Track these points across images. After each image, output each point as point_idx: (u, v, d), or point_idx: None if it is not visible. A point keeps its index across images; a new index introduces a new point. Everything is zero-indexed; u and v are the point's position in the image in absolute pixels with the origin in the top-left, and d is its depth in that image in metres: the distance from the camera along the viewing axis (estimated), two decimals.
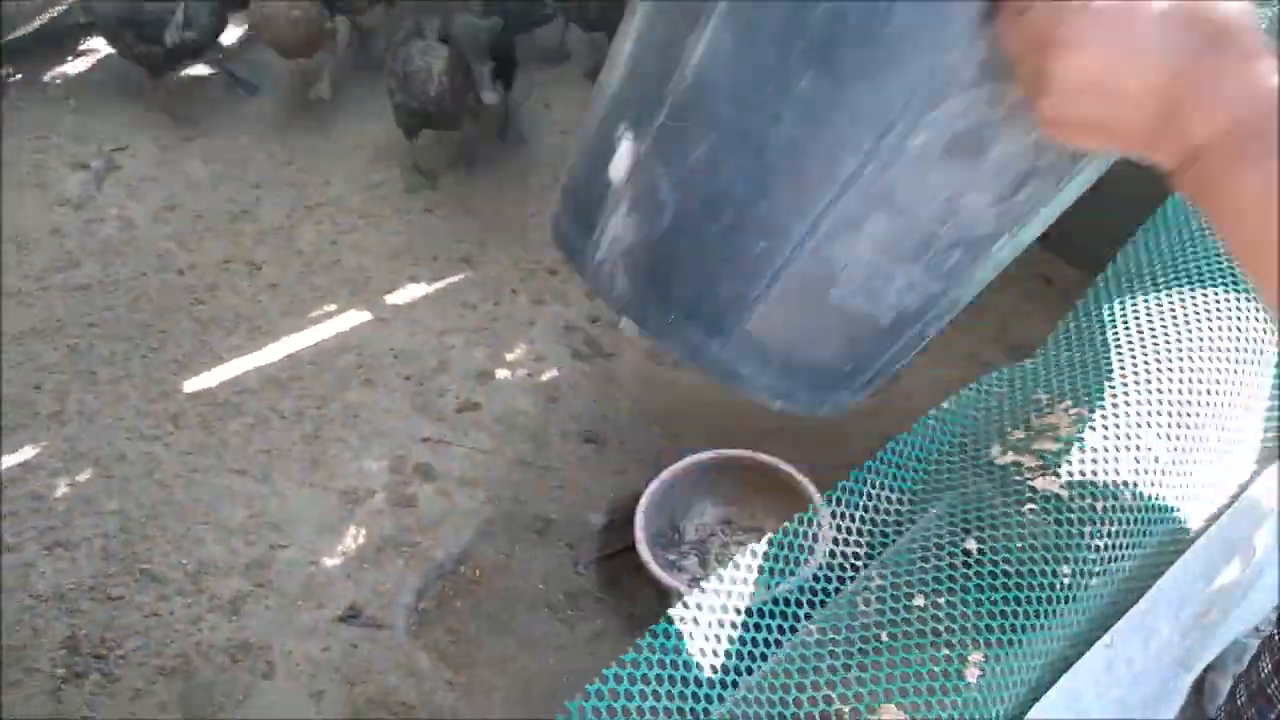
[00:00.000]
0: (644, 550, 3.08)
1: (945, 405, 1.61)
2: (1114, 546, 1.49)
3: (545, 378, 3.68)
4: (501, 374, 3.69)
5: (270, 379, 3.64)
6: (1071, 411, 1.58)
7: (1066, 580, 1.43)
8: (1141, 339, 1.68)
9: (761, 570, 1.40)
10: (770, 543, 1.40)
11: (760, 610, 1.37)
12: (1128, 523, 1.51)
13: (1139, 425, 1.57)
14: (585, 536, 3.29)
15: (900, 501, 1.47)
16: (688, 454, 3.44)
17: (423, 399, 3.60)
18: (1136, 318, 1.72)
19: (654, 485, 3.24)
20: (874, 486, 1.44)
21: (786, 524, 1.40)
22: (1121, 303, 1.77)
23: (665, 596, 3.11)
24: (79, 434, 3.45)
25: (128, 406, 3.54)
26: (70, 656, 2.96)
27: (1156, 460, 1.56)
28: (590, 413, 3.60)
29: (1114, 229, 4.00)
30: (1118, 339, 1.70)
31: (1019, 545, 1.42)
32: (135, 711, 2.85)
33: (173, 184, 4.32)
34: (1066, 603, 1.43)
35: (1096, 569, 1.47)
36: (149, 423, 3.50)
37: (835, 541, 1.41)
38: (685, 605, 1.32)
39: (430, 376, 3.67)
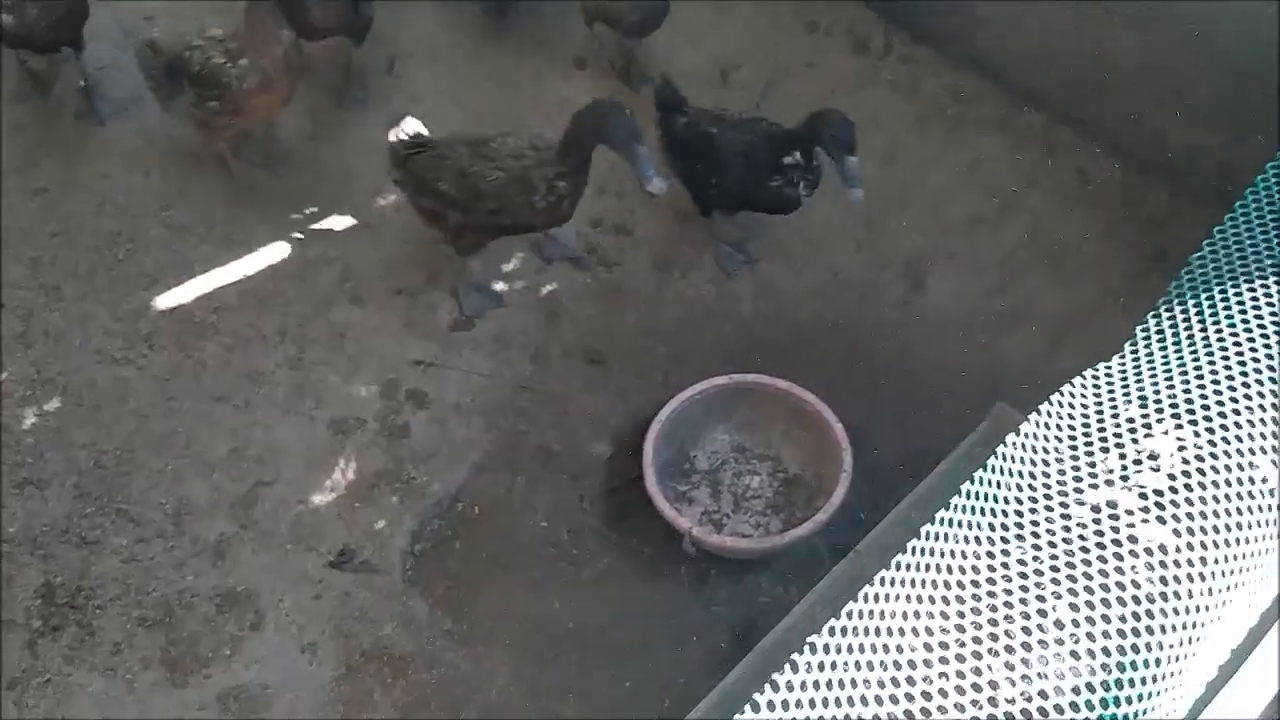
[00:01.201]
0: (653, 487, 2.89)
1: (1026, 429, 1.37)
2: (1222, 604, 1.28)
3: (545, 291, 3.43)
4: (498, 286, 3.43)
5: (249, 294, 3.38)
6: (1174, 434, 1.35)
7: (1173, 651, 1.23)
8: (1250, 339, 1.44)
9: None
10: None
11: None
12: (1237, 571, 1.30)
13: (1252, 450, 1.35)
14: (589, 468, 3.09)
15: (979, 555, 1.25)
16: (696, 376, 3.22)
17: (413, 315, 3.35)
18: (1235, 312, 1.47)
19: (663, 414, 3.02)
20: (950, 540, 1.22)
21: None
22: (1213, 295, 1.51)
23: (674, 533, 2.94)
24: (45, 358, 3.21)
25: (96, 326, 3.29)
26: (46, 607, 2.78)
27: (1272, 493, 1.34)
28: (593, 329, 3.36)
29: (1155, 117, 3.72)
30: (1221, 338, 1.46)
31: (1119, 613, 1.21)
32: (115, 667, 2.70)
33: (136, 70, 3.96)
34: (1172, 677, 1.23)
35: (1202, 631, 1.27)
36: (120, 344, 3.25)
37: (907, 615, 1.20)
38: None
39: (421, 290, 3.41)
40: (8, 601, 2.78)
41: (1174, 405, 1.38)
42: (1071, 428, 1.39)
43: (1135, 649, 1.19)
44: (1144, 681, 1.19)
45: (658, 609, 2.87)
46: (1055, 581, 1.23)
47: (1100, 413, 1.41)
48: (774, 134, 3.27)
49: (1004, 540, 1.26)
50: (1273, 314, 1.45)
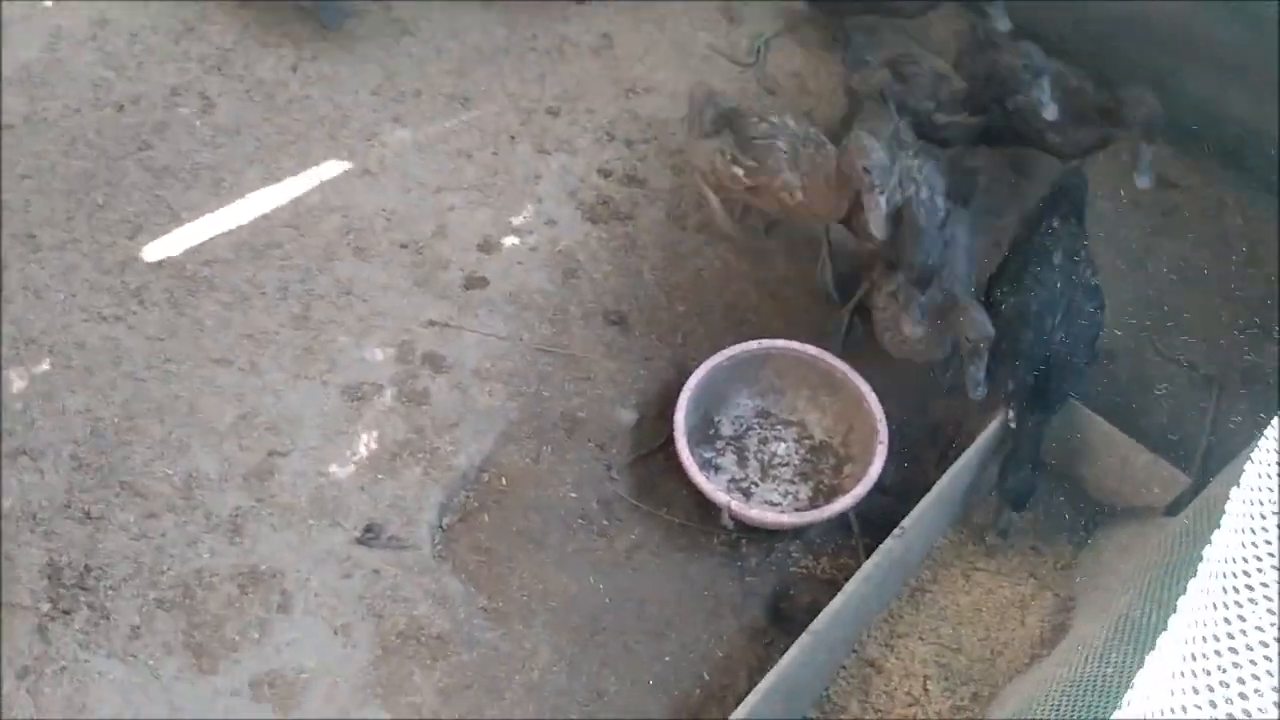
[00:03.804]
0: (687, 460, 2.82)
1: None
2: None
3: (559, 246, 3.29)
4: (509, 241, 3.28)
5: (244, 246, 3.18)
6: None
7: None
8: None
9: None
10: None
11: None
12: None
13: None
14: (616, 436, 3.00)
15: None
16: (718, 337, 3.14)
17: (423, 272, 3.19)
18: None
19: (693, 381, 2.94)
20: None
21: None
22: None
23: (703, 501, 2.88)
24: (27, 315, 2.99)
25: (80, 279, 3.07)
26: (53, 588, 2.61)
27: None
28: (611, 288, 3.24)
29: (1162, 74, 3.69)
30: None
31: None
32: (136, 652, 2.55)
33: None
34: None
35: None
36: (107, 300, 3.04)
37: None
38: None
39: (429, 244, 3.24)
40: (11, 583, 2.60)
41: None
42: None
43: None
44: None
45: (691, 580, 2.82)
46: None
47: None
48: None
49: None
50: None
